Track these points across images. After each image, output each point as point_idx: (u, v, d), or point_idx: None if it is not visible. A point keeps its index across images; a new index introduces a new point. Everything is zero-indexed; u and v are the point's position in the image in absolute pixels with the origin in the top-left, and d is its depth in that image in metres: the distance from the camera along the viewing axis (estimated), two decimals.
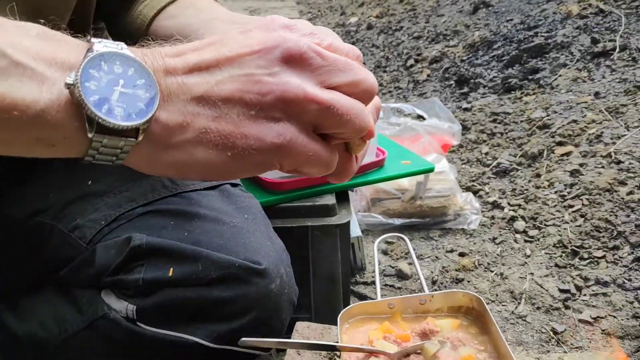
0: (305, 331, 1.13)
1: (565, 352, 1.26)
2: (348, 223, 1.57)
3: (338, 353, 1.01)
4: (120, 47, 0.51)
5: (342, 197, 1.62)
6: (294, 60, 0.53)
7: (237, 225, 1.09)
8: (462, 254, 2.09)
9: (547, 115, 2.78)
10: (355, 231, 2.03)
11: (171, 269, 0.97)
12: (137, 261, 0.98)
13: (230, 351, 1.04)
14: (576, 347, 1.54)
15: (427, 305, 1.06)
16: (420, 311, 1.06)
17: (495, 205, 2.35)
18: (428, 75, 3.89)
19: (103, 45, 0.50)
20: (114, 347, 1.01)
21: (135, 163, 0.53)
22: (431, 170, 1.71)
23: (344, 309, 1.03)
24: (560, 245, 1.96)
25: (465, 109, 3.22)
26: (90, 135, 0.47)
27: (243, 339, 0.84)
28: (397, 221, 2.31)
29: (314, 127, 0.56)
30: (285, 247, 1.14)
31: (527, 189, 2.35)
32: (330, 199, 1.54)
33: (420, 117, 2.67)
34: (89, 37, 0.51)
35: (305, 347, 0.96)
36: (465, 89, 3.50)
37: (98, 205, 1.09)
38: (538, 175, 2.40)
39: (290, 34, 0.55)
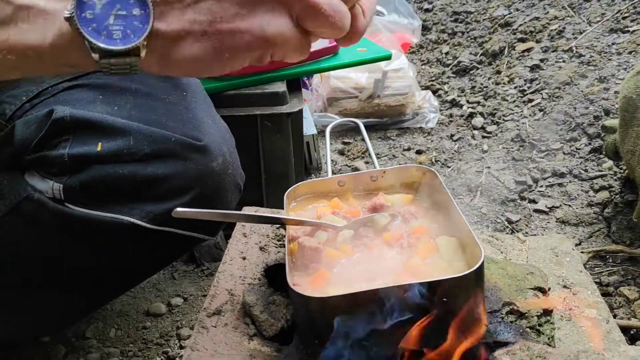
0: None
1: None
2: (300, 112, 1.49)
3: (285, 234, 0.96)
4: None
5: (293, 85, 1.53)
6: None
7: (174, 102, 0.99)
8: (419, 152, 2.05)
9: (510, 13, 2.70)
10: (310, 129, 1.96)
11: (99, 144, 0.88)
12: (62, 136, 0.89)
13: (172, 235, 0.97)
14: (531, 235, 1.54)
15: (379, 181, 1.00)
16: (371, 188, 1.01)
17: (454, 104, 2.30)
18: None
19: None
20: (42, 231, 0.93)
21: (149, 69, 0.54)
22: (388, 57, 1.62)
23: (291, 187, 0.96)
24: (518, 139, 1.93)
25: (427, 10, 3.11)
26: (95, 58, 0.50)
27: (177, 209, 0.77)
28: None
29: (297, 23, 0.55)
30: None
31: (486, 86, 2.30)
32: (280, 87, 1.44)
33: (379, 13, 2.55)
34: None
35: (247, 219, 0.90)
36: None
37: (18, 81, 0.98)
38: (498, 72, 2.34)
39: None
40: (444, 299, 0.72)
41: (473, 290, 0.75)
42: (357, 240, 0.88)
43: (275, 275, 0.94)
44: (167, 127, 0.92)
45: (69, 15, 0.48)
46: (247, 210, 1.08)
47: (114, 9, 0.49)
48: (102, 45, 0.49)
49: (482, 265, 0.73)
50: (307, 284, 0.79)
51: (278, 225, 1.05)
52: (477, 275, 0.74)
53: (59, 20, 0.49)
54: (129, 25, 0.49)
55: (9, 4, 0.49)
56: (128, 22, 0.49)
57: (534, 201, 1.66)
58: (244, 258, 0.98)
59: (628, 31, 2.24)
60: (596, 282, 1.28)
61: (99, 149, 0.88)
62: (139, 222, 0.91)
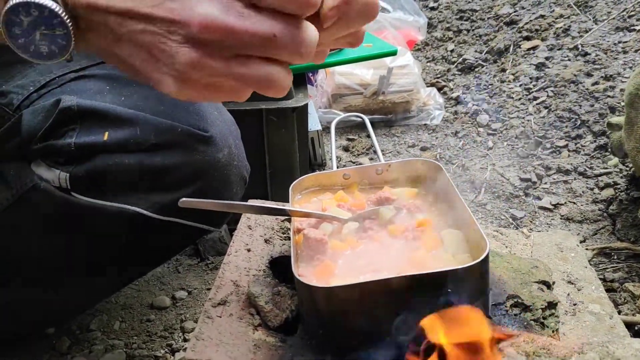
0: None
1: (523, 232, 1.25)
2: (305, 107, 1.49)
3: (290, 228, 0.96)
4: None
5: (299, 80, 1.53)
6: None
7: None
8: (423, 149, 2.05)
9: (515, 11, 2.69)
10: (314, 125, 1.96)
11: (106, 133, 0.89)
12: (69, 125, 0.89)
13: (178, 226, 0.97)
14: (536, 232, 1.54)
15: (384, 175, 1.00)
16: (376, 182, 1.01)
17: (459, 101, 2.29)
18: None
19: None
20: (48, 220, 0.94)
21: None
22: (394, 53, 1.62)
23: (296, 180, 0.97)
24: (523, 136, 1.93)
25: (432, 8, 3.10)
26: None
27: (183, 199, 0.77)
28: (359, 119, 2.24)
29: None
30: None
31: (491, 84, 2.30)
32: None
33: (384, 10, 2.55)
34: None
35: (252, 210, 0.91)
36: None
37: (26, 71, 0.99)
38: (503, 70, 2.34)
39: None
40: (449, 291, 0.72)
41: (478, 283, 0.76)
42: (362, 233, 0.88)
43: (280, 267, 0.94)
44: (173, 117, 0.93)
45: None
46: (253, 202, 1.08)
47: (38, 28, 0.52)
48: (30, 59, 0.54)
49: (487, 257, 0.73)
50: (312, 275, 0.80)
51: (283, 218, 1.06)
52: (482, 267, 0.74)
53: None
54: (54, 43, 0.53)
55: None
56: (52, 40, 0.53)
57: (538, 198, 1.66)
58: (249, 250, 0.98)
59: (634, 30, 2.23)
60: (600, 279, 1.28)
61: (105, 138, 0.88)
62: (145, 212, 0.92)
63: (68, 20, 0.52)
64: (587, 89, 1.96)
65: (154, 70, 0.53)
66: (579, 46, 2.21)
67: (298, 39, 0.51)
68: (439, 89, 2.39)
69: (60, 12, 0.51)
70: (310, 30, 0.52)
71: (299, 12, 0.51)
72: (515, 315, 0.80)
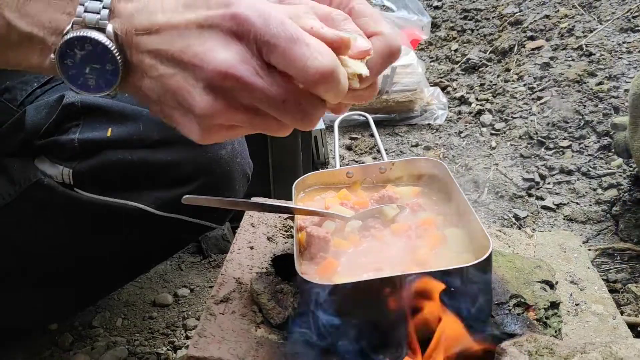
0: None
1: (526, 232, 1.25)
2: None
3: (293, 225, 0.96)
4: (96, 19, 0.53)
5: None
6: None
7: None
8: (427, 148, 2.05)
9: (520, 11, 2.69)
10: (318, 124, 1.96)
11: (109, 129, 0.89)
12: (72, 121, 0.89)
13: (180, 222, 0.98)
14: (539, 232, 1.53)
15: (387, 173, 1.00)
16: (380, 180, 1.01)
17: (463, 101, 2.29)
18: None
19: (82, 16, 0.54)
20: (51, 216, 0.94)
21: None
22: None
23: (299, 178, 0.97)
24: (527, 136, 1.92)
25: (436, 7, 3.10)
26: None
27: (186, 196, 0.77)
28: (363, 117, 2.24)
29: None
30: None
31: (495, 84, 2.29)
32: None
33: (388, 9, 2.55)
34: None
35: (255, 208, 0.91)
36: None
37: None
38: (507, 70, 2.33)
39: None
40: (452, 289, 0.72)
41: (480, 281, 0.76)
42: (365, 231, 0.88)
43: (282, 265, 0.94)
44: None
45: (53, 60, 0.54)
46: (256, 199, 1.08)
47: (90, 63, 0.55)
48: (77, 90, 0.56)
49: (490, 256, 0.72)
50: (315, 272, 0.80)
51: (286, 216, 1.05)
52: (485, 267, 0.74)
53: (50, 57, 0.55)
54: (102, 77, 0.55)
55: (14, 29, 0.55)
56: (101, 74, 0.55)
57: (541, 198, 1.66)
58: (251, 248, 0.98)
59: (639, 30, 2.23)
60: (603, 279, 1.27)
61: (108, 134, 0.89)
62: (147, 208, 0.92)
63: (118, 57, 0.54)
64: (591, 89, 1.96)
65: (180, 116, 0.56)
66: (584, 46, 2.21)
67: (305, 111, 0.53)
68: (443, 89, 2.39)
69: (112, 48, 0.53)
70: (318, 106, 0.54)
71: (311, 89, 0.52)
72: (518, 314, 0.80)
